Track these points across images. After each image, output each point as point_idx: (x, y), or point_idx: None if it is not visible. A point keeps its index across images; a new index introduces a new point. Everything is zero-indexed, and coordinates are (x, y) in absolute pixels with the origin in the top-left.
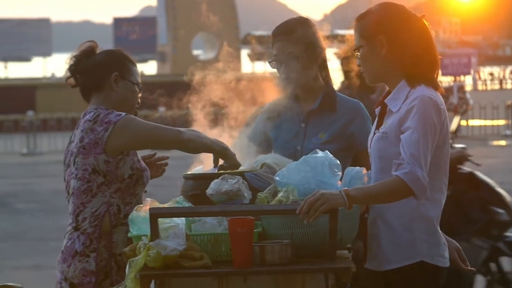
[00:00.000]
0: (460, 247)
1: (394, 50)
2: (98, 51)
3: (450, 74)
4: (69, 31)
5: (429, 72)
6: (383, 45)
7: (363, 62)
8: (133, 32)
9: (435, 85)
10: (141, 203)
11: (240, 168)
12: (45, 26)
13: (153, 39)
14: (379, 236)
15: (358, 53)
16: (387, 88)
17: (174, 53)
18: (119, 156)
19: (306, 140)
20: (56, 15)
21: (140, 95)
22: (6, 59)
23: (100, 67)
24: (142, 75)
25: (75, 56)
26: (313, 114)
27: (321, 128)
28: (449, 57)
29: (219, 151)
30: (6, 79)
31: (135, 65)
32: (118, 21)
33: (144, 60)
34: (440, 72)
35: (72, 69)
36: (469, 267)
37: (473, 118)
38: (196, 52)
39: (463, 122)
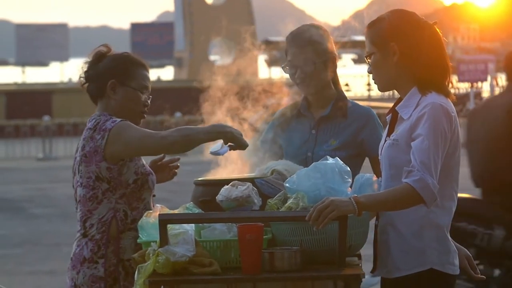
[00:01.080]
0: (471, 255)
1: (406, 57)
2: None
3: (467, 81)
4: (87, 36)
5: (440, 79)
6: (395, 52)
7: (374, 69)
8: (150, 38)
9: (446, 92)
10: (149, 208)
11: (251, 174)
12: (62, 31)
13: (170, 45)
14: (389, 243)
15: (369, 60)
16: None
17: (191, 58)
18: (120, 162)
19: (316, 146)
20: (74, 20)
21: (146, 98)
22: (24, 64)
23: (101, 74)
24: (159, 80)
25: (86, 63)
26: (324, 121)
27: (332, 135)
28: (466, 63)
29: (217, 136)
30: (23, 84)
31: (143, 69)
32: (135, 27)
33: (162, 66)
34: (456, 78)
35: (82, 77)
36: (479, 275)
37: None
38: (213, 57)
39: None
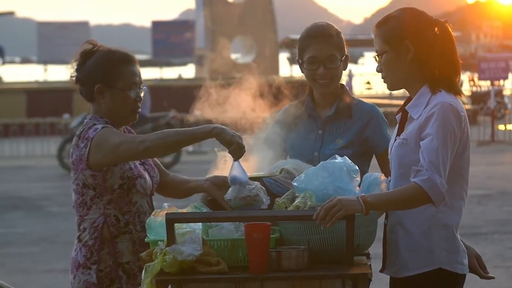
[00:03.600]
0: (480, 254)
1: (420, 56)
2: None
3: (488, 79)
4: (109, 34)
5: (451, 77)
6: (409, 50)
7: (386, 67)
8: (172, 35)
9: (456, 91)
10: (143, 211)
11: (259, 173)
12: (84, 30)
13: (191, 42)
14: (398, 243)
15: (380, 59)
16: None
17: (212, 56)
18: (104, 168)
19: (323, 146)
20: (97, 19)
21: (137, 93)
22: (46, 62)
23: (88, 78)
24: (180, 78)
25: (75, 62)
26: (330, 121)
27: (338, 134)
28: (486, 61)
29: (203, 135)
30: (44, 82)
31: (128, 64)
32: (156, 25)
33: (184, 63)
34: (477, 76)
35: (73, 76)
36: (488, 274)
37: (511, 122)
38: (234, 55)
39: (501, 127)
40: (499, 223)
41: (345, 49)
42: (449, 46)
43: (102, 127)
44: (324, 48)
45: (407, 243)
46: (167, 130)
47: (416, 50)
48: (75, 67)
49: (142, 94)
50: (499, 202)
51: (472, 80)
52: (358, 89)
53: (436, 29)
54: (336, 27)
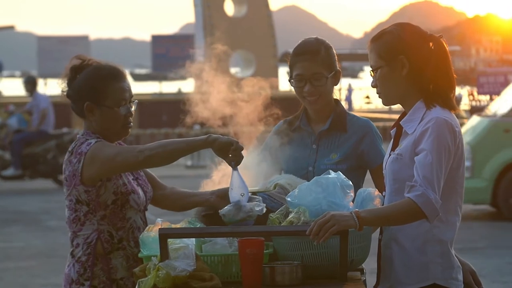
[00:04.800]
0: (475, 270)
1: (415, 71)
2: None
3: (486, 93)
4: (109, 48)
5: (446, 92)
6: (404, 65)
7: (381, 82)
8: (172, 50)
9: (451, 106)
10: (137, 226)
11: (254, 188)
12: (83, 44)
13: (191, 57)
14: (392, 258)
15: (375, 74)
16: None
17: (211, 70)
18: (98, 183)
19: (317, 161)
20: (98, 32)
21: (128, 109)
22: (46, 76)
23: (76, 96)
24: (179, 92)
25: (64, 77)
26: (324, 135)
27: (332, 149)
28: (485, 75)
29: (201, 144)
30: None
31: (116, 81)
32: (156, 39)
33: (184, 78)
34: (476, 90)
35: (64, 91)
36: None
37: None
38: (233, 69)
39: None
40: (497, 238)
41: (335, 64)
42: (444, 61)
43: (96, 142)
44: (309, 66)
45: (401, 258)
46: (164, 140)
47: (411, 65)
48: (66, 82)
49: (133, 108)
50: (497, 216)
51: (472, 94)
52: (358, 104)
53: (431, 44)
54: (326, 43)
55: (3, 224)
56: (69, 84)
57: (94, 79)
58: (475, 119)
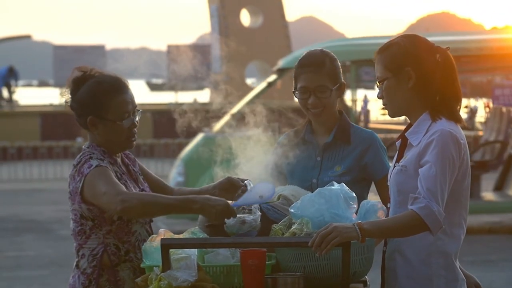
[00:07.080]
0: (480, 283)
1: (421, 83)
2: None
3: (502, 105)
4: (125, 57)
5: (452, 105)
6: (410, 77)
7: (387, 94)
8: (187, 60)
9: (456, 118)
10: (142, 239)
11: None
12: (99, 53)
13: (207, 67)
14: (396, 270)
15: (381, 85)
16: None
17: (227, 80)
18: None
19: (321, 173)
20: (115, 42)
21: (131, 121)
22: (62, 85)
23: (79, 109)
24: (195, 102)
25: (67, 89)
26: (328, 147)
27: (336, 161)
28: (501, 87)
29: (184, 207)
30: (59, 105)
31: (119, 93)
32: (172, 48)
33: (201, 88)
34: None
35: (67, 102)
36: None
37: None
38: (249, 80)
39: None
40: (509, 251)
41: (340, 76)
42: (450, 74)
43: (96, 166)
44: (314, 78)
45: (405, 270)
46: (152, 194)
47: (417, 77)
48: (68, 94)
49: (137, 119)
50: (510, 229)
51: (488, 106)
52: (374, 115)
53: (437, 56)
54: (331, 54)
55: (16, 232)
56: (72, 96)
57: (95, 94)
58: None
